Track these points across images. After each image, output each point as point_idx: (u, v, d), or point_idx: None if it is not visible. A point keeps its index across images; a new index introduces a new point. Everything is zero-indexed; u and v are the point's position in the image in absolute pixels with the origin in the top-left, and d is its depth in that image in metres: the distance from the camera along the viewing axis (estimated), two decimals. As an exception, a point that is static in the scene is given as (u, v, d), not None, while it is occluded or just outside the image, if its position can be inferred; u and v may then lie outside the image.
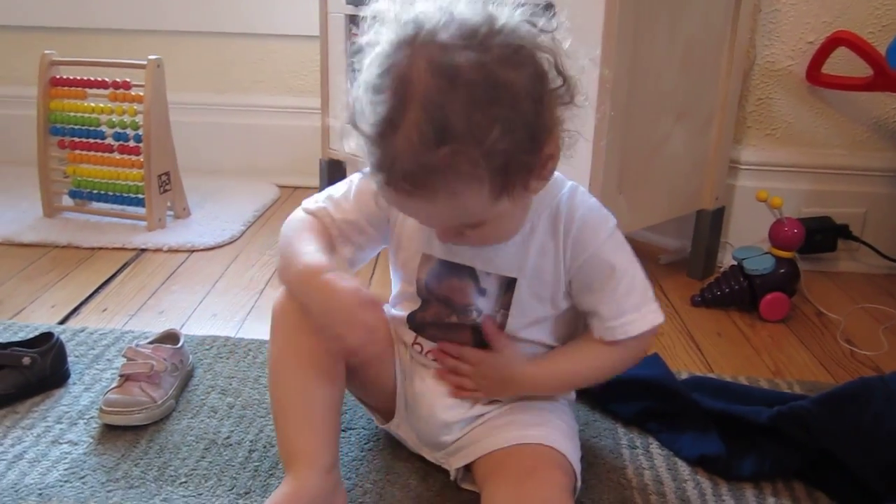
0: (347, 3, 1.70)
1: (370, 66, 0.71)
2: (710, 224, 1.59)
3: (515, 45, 0.69)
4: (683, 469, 0.98)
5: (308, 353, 0.86)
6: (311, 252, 0.82)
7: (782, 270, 1.43)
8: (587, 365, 0.89)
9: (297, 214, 0.91)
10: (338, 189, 0.92)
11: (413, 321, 0.92)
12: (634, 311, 0.85)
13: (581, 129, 0.76)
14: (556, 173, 0.82)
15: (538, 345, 0.90)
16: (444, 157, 0.67)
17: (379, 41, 0.72)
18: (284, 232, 0.88)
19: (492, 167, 0.69)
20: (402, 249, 0.91)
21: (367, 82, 0.71)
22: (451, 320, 0.89)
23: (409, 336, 0.93)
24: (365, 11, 0.74)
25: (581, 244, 0.83)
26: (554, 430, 0.88)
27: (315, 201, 0.91)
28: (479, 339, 0.89)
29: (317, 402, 0.86)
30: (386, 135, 0.69)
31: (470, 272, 0.86)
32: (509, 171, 0.70)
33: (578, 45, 0.74)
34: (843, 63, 1.58)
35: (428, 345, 0.92)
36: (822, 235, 1.62)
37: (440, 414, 0.91)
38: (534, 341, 0.90)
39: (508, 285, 0.86)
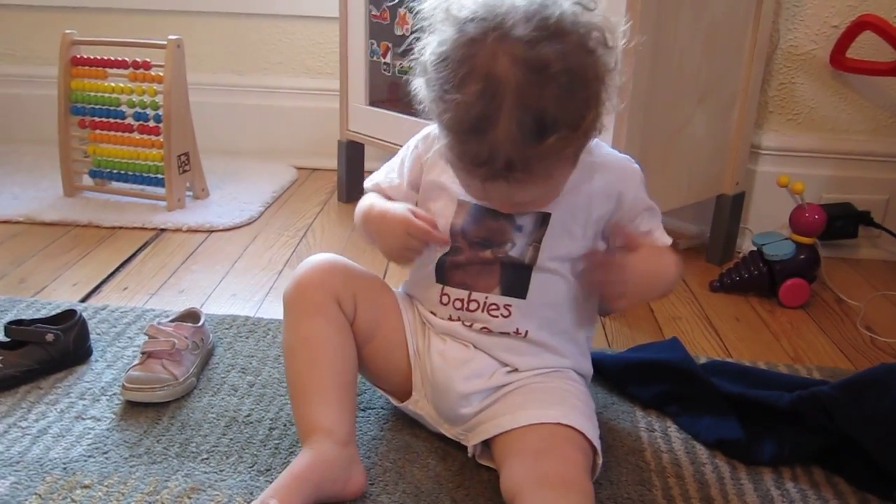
0: (367, -17, 1.70)
1: (438, 65, 0.76)
2: (730, 209, 1.58)
3: (581, 31, 0.75)
4: (702, 452, 0.99)
5: (319, 335, 0.91)
6: (370, 202, 0.96)
7: (802, 256, 1.43)
8: (670, 261, 0.94)
9: (363, 198, 1.00)
10: (386, 164, 1.01)
11: (442, 266, 0.93)
12: (659, 230, 0.96)
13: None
14: None
15: (558, 276, 0.92)
16: (551, 145, 0.74)
17: (437, 39, 0.77)
18: (356, 213, 0.99)
19: (583, 144, 0.78)
20: (433, 200, 0.94)
21: (442, 81, 0.75)
22: (486, 256, 0.91)
23: (434, 290, 0.94)
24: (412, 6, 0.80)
25: (624, 188, 0.92)
26: (572, 410, 0.89)
27: (371, 180, 1.01)
28: (508, 276, 0.91)
29: (330, 380, 0.90)
30: (481, 131, 0.74)
31: (506, 214, 0.90)
32: (586, 142, 0.80)
33: (611, 14, 0.81)
34: (868, 47, 1.56)
35: (455, 293, 0.93)
36: (843, 222, 1.61)
37: (458, 386, 0.92)
38: (556, 271, 0.91)
39: (543, 220, 0.90)
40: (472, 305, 0.92)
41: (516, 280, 0.91)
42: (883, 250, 1.68)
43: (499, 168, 0.75)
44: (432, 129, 0.97)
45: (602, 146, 0.93)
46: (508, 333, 0.92)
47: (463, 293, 0.92)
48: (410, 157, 0.98)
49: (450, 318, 0.94)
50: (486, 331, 0.93)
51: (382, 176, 1.01)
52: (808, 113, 1.66)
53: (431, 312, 0.96)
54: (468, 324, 0.93)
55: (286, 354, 0.93)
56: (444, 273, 0.94)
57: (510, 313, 0.91)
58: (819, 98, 1.65)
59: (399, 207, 0.91)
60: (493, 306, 0.92)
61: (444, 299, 0.94)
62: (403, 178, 0.98)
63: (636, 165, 0.94)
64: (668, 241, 0.96)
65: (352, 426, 0.90)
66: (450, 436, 0.96)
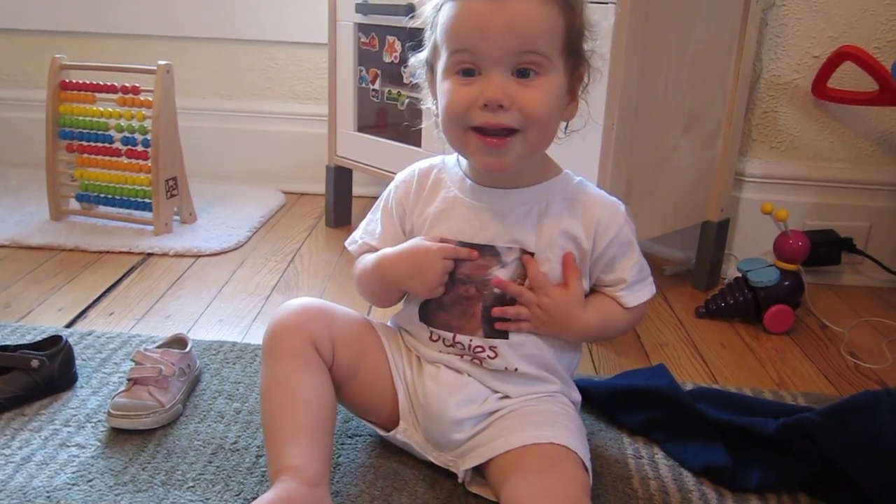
0: (356, 11, 1.71)
1: None
2: (715, 236, 1.60)
3: None
4: (689, 479, 0.99)
5: (293, 378, 0.90)
6: (373, 258, 0.97)
7: (787, 283, 1.44)
8: (613, 324, 0.97)
9: (354, 267, 1.02)
10: (367, 220, 1.03)
11: (426, 307, 0.94)
12: (643, 280, 0.97)
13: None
14: (566, 170, 0.95)
15: None
16: None
17: None
18: (358, 280, 1.01)
19: (564, 3, 0.83)
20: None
21: None
22: (470, 293, 0.92)
23: (423, 329, 0.95)
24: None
25: (605, 228, 0.92)
26: (565, 431, 0.89)
27: (354, 241, 1.02)
28: (490, 317, 0.91)
29: (303, 421, 0.88)
30: None
31: (490, 250, 0.91)
32: (572, 30, 0.85)
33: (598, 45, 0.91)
34: (848, 77, 1.59)
35: (441, 334, 0.94)
36: (826, 248, 1.62)
37: (452, 411, 0.92)
38: None
39: (523, 258, 0.91)
40: (459, 347, 0.94)
41: (498, 321, 0.92)
42: (866, 276, 1.70)
43: None
44: (407, 173, 1.00)
45: (588, 185, 0.95)
46: (499, 370, 0.93)
47: (448, 335, 0.93)
48: (393, 201, 0.99)
49: (440, 352, 0.95)
50: (478, 362, 0.93)
51: (363, 233, 1.02)
52: (791, 141, 1.69)
53: (423, 345, 0.97)
54: (459, 354, 0.94)
55: (262, 398, 0.92)
56: (428, 314, 0.95)
57: (496, 354, 0.92)
58: (802, 127, 1.68)
59: (412, 242, 0.93)
60: (479, 348, 0.93)
61: (434, 336, 0.95)
62: (394, 223, 0.99)
63: (621, 205, 0.95)
64: (635, 301, 0.96)
65: (324, 467, 0.87)
66: (438, 463, 0.96)
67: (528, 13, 0.81)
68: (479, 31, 0.82)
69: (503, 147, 0.85)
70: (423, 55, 0.93)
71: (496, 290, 0.91)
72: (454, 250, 0.91)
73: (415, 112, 1.66)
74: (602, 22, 0.89)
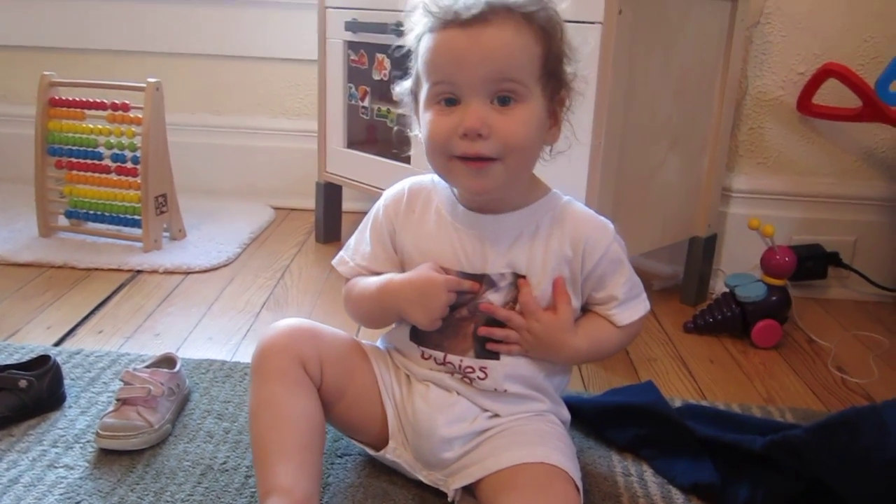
0: (346, 29, 1.72)
1: None
2: (703, 251, 1.61)
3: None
4: (677, 497, 0.99)
5: (282, 398, 0.90)
6: (374, 280, 0.96)
7: (774, 298, 1.45)
8: (605, 345, 0.97)
9: (346, 288, 1.01)
10: (357, 241, 1.02)
11: (417, 328, 0.94)
12: (636, 298, 0.97)
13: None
14: (554, 189, 0.95)
15: None
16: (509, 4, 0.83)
17: None
18: (353, 301, 0.99)
19: (540, 30, 0.84)
20: (408, 266, 0.96)
21: None
22: (462, 314, 0.92)
23: (414, 348, 0.96)
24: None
25: (593, 247, 0.93)
26: (555, 450, 0.90)
27: (345, 262, 1.01)
28: (482, 338, 0.92)
29: (291, 441, 0.88)
30: None
31: (485, 278, 0.92)
32: (550, 57, 0.86)
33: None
34: (833, 94, 1.60)
35: (432, 353, 0.94)
36: (812, 263, 1.64)
37: (441, 430, 0.92)
38: None
39: (517, 281, 0.92)
40: (449, 366, 0.94)
41: (489, 342, 0.93)
42: (852, 290, 1.71)
43: (462, 14, 0.82)
44: (396, 190, 1.00)
45: (576, 204, 0.96)
46: (489, 390, 0.94)
47: (439, 354, 0.94)
48: (382, 218, 0.99)
49: (430, 370, 0.95)
50: (468, 381, 0.94)
51: (353, 253, 1.01)
52: (777, 157, 1.70)
53: (414, 364, 0.97)
54: (449, 373, 0.94)
55: (251, 418, 0.92)
56: (420, 334, 0.95)
57: (486, 375, 0.93)
58: (787, 142, 1.69)
59: (419, 270, 0.92)
60: (469, 369, 0.93)
61: (426, 355, 0.95)
62: (384, 241, 0.98)
63: (609, 223, 0.96)
64: (627, 319, 0.96)
65: (314, 487, 0.87)
66: (428, 482, 0.96)
67: (503, 42, 0.83)
68: (455, 62, 0.83)
69: (484, 168, 0.86)
70: (407, 84, 0.93)
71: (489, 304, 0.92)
72: (458, 282, 0.91)
73: (403, 139, 1.67)
74: (583, 46, 0.89)
